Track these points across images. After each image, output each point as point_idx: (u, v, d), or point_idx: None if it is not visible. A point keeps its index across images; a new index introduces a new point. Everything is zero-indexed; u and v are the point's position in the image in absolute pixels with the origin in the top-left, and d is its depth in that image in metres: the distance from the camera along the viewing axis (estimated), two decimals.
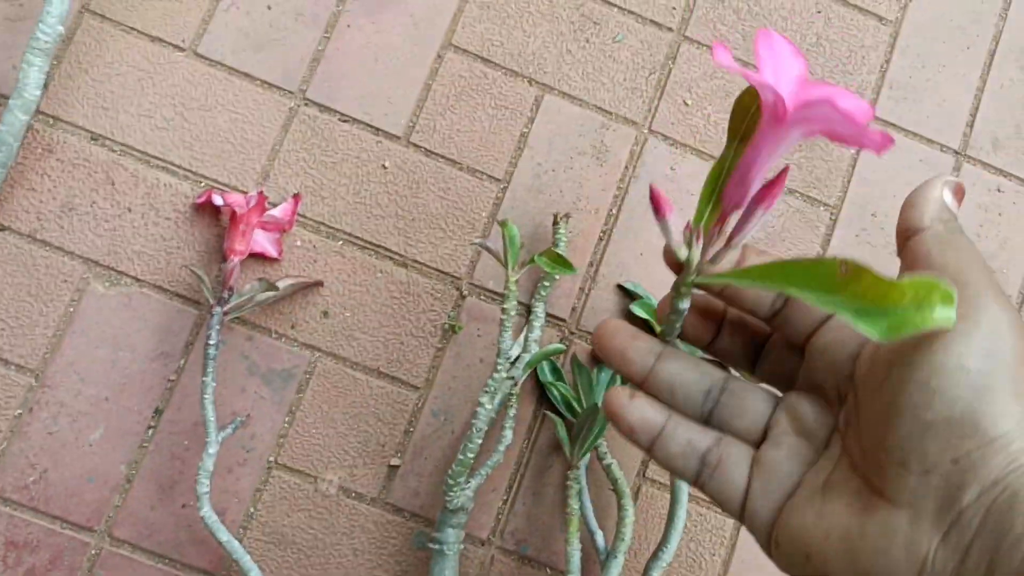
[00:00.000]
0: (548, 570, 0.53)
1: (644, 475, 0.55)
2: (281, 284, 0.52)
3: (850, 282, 0.22)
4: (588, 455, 0.53)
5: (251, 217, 0.52)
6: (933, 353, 0.22)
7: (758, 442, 0.28)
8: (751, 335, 0.30)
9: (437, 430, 0.54)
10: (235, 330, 0.53)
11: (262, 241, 0.53)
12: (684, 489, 0.52)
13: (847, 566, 0.23)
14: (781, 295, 0.28)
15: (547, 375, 0.54)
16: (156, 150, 0.54)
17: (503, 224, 0.49)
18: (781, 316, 0.29)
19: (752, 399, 0.28)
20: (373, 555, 0.52)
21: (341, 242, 0.55)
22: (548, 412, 0.54)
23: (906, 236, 0.26)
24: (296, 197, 0.54)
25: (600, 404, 0.51)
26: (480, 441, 0.49)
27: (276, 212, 0.53)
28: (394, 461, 0.53)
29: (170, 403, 0.52)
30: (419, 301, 0.55)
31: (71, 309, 0.52)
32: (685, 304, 0.29)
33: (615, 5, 0.60)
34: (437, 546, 0.50)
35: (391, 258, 0.55)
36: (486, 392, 0.49)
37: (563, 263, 0.48)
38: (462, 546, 0.51)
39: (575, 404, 0.54)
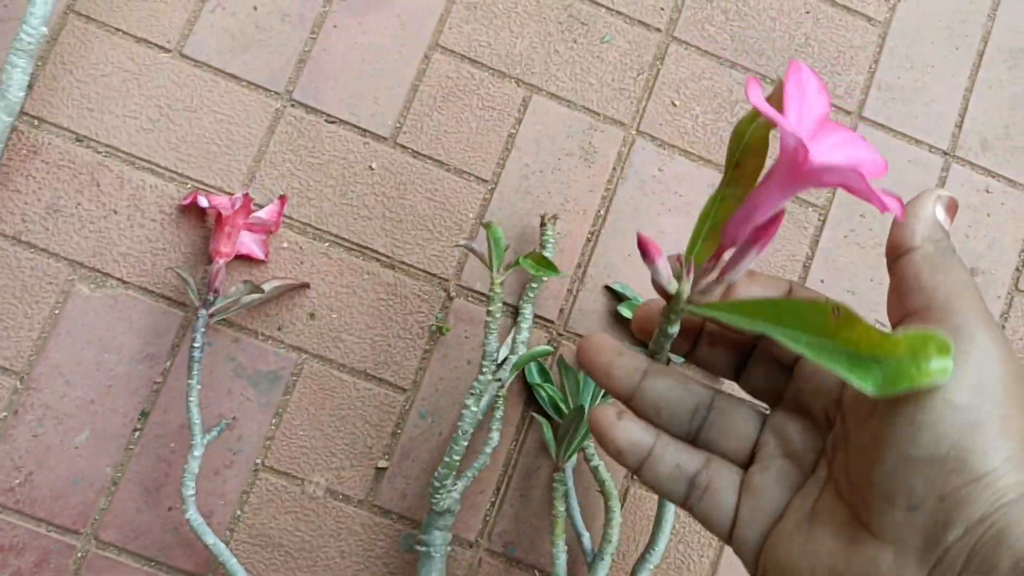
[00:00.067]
0: (536, 572, 0.53)
1: (632, 477, 0.55)
2: (267, 286, 0.52)
3: (842, 328, 0.21)
4: (575, 457, 0.53)
5: (237, 219, 0.52)
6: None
7: (746, 462, 0.28)
8: (732, 345, 0.30)
9: (424, 432, 0.54)
10: (221, 332, 0.53)
11: (248, 243, 0.53)
12: None
13: None
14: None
15: (535, 377, 0.54)
16: (141, 151, 0.54)
17: (487, 226, 0.49)
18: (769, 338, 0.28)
19: (739, 418, 0.28)
20: (360, 557, 0.52)
21: (328, 244, 0.55)
22: (535, 414, 0.54)
23: (896, 255, 0.25)
24: (282, 199, 0.54)
25: (585, 407, 0.51)
26: (466, 443, 0.49)
27: (262, 214, 0.53)
28: (381, 463, 0.53)
29: (156, 405, 0.52)
30: (406, 303, 0.55)
31: (56, 311, 0.52)
32: (675, 329, 0.28)
33: (603, 5, 0.59)
34: (424, 548, 0.50)
35: (378, 259, 0.55)
36: (472, 394, 0.49)
37: (548, 265, 0.48)
38: (449, 548, 0.51)
39: (562, 406, 0.54)
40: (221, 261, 0.51)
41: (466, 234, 0.56)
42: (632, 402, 0.29)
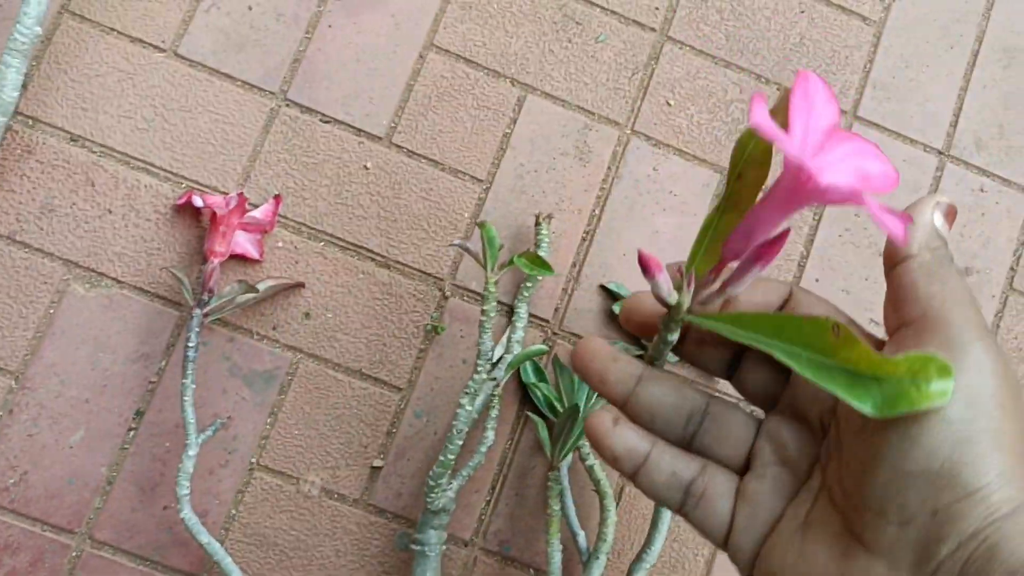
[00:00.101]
0: (531, 571, 0.53)
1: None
2: (262, 286, 0.52)
3: (842, 347, 0.21)
4: (570, 456, 0.53)
5: (231, 218, 0.52)
6: None
7: (741, 468, 0.28)
8: (720, 344, 0.30)
9: (419, 431, 0.54)
10: (216, 332, 0.53)
11: (243, 242, 0.53)
12: None
13: None
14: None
15: (530, 376, 0.54)
16: (136, 151, 0.54)
17: (482, 225, 0.49)
18: None
19: (734, 424, 0.28)
20: (355, 556, 0.52)
21: (323, 243, 0.55)
22: (530, 413, 0.54)
23: (893, 262, 0.25)
24: (277, 198, 0.54)
25: (580, 406, 0.51)
26: (461, 442, 0.49)
27: (257, 213, 0.53)
28: (376, 462, 0.53)
29: (151, 405, 0.52)
30: (401, 302, 0.55)
31: (51, 311, 0.52)
32: (674, 336, 0.28)
33: (597, 5, 0.59)
34: (419, 547, 0.50)
35: (373, 259, 0.55)
36: (466, 393, 0.49)
37: (542, 264, 0.48)
38: (444, 547, 0.51)
39: (557, 405, 0.54)
40: (216, 261, 0.51)
41: (461, 233, 0.56)
42: (626, 407, 0.29)
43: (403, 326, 0.55)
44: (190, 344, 0.49)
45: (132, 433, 0.52)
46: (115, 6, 0.55)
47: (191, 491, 0.50)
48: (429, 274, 0.55)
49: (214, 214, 0.52)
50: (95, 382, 0.52)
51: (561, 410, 0.53)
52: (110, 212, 0.53)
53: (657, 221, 0.58)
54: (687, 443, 0.29)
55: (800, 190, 0.24)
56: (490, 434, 0.51)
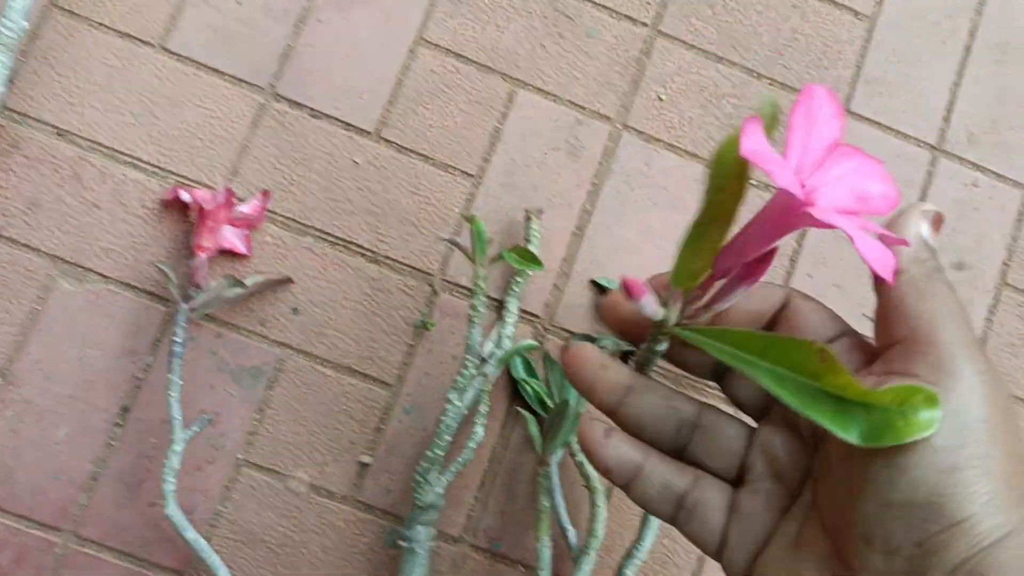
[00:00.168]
0: (521, 567, 0.53)
1: None
2: (249, 281, 0.51)
3: (827, 373, 0.21)
4: (561, 452, 0.53)
5: (219, 213, 0.51)
6: None
7: (734, 479, 0.28)
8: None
9: (409, 427, 0.53)
10: (204, 327, 0.53)
11: (231, 237, 0.53)
12: None
13: None
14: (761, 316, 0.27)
15: (520, 371, 0.54)
16: (124, 146, 0.54)
17: (470, 220, 0.49)
18: None
19: (725, 436, 0.28)
20: (343, 553, 0.52)
21: (311, 238, 0.54)
22: (520, 409, 0.54)
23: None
24: (265, 193, 0.54)
25: (571, 402, 0.51)
26: (449, 438, 0.49)
27: (245, 208, 0.53)
28: (365, 459, 0.53)
29: (137, 401, 0.52)
30: (391, 298, 0.54)
31: (37, 307, 0.52)
32: (663, 347, 0.28)
33: (589, 0, 0.59)
34: (408, 544, 0.49)
35: (362, 254, 0.55)
36: (455, 389, 0.49)
37: (531, 258, 0.47)
38: (433, 543, 0.51)
39: (548, 400, 0.53)
40: (203, 256, 0.51)
41: (451, 229, 0.56)
42: (616, 417, 0.29)
43: (392, 322, 0.54)
44: (177, 339, 0.49)
45: (118, 429, 0.51)
46: (103, 0, 0.55)
47: (177, 488, 0.50)
48: (419, 269, 0.55)
49: (201, 209, 0.51)
50: (81, 378, 0.51)
51: (551, 406, 0.53)
52: (97, 207, 0.53)
53: (649, 216, 0.57)
54: (679, 451, 0.28)
55: (792, 216, 0.23)
56: (479, 430, 0.51)
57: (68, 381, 0.51)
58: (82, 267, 0.52)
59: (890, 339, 0.24)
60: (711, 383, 0.33)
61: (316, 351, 0.53)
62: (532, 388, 0.53)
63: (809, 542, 0.24)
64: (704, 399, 0.29)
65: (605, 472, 0.28)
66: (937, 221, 0.25)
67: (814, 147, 0.23)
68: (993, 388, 0.22)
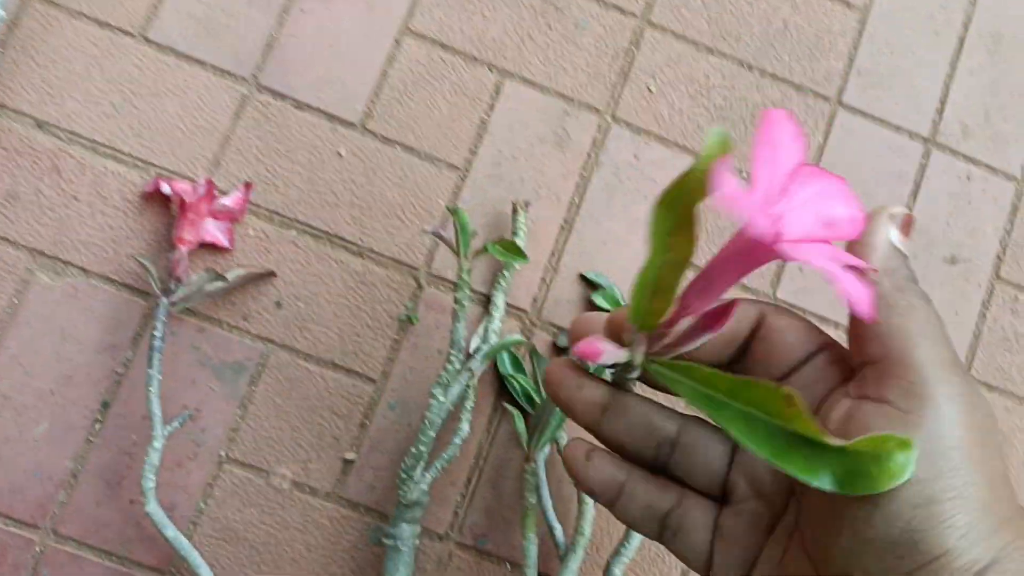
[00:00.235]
0: (507, 565, 0.52)
1: None
2: (231, 274, 0.51)
3: (794, 419, 0.21)
4: (548, 448, 0.52)
5: (200, 206, 0.50)
6: None
7: (718, 496, 0.27)
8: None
9: (393, 423, 0.53)
10: (185, 322, 0.52)
11: (213, 231, 0.52)
12: None
13: None
14: (737, 342, 0.27)
15: (507, 367, 0.53)
16: (104, 137, 0.53)
17: (454, 211, 0.48)
18: (739, 366, 0.27)
19: (706, 454, 0.27)
20: (327, 550, 0.51)
21: (295, 231, 0.54)
22: (507, 404, 0.53)
23: None
24: (247, 185, 0.53)
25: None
26: (433, 434, 0.48)
27: (227, 201, 0.52)
28: (349, 455, 0.52)
29: (117, 396, 0.51)
30: (375, 291, 0.54)
31: (15, 300, 0.51)
32: (635, 374, 0.27)
33: None
34: (392, 541, 0.49)
35: (346, 247, 0.54)
36: (439, 384, 0.48)
37: (516, 251, 0.47)
38: (418, 541, 0.50)
39: (535, 396, 0.52)
40: (183, 249, 0.50)
41: (437, 222, 0.55)
42: (597, 435, 0.28)
43: (377, 316, 0.53)
44: (156, 334, 0.48)
45: (98, 425, 0.51)
46: None
47: (158, 484, 0.49)
48: (404, 263, 0.54)
49: (183, 201, 0.50)
50: (60, 373, 0.51)
51: (539, 402, 0.52)
52: (76, 200, 0.52)
53: (638, 209, 0.56)
54: (662, 467, 0.28)
55: (760, 253, 0.22)
56: (465, 426, 0.50)
57: (47, 376, 0.50)
58: (61, 260, 0.52)
59: (863, 357, 0.24)
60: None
61: (299, 346, 0.53)
62: (519, 384, 0.52)
63: (792, 568, 0.24)
64: (687, 411, 0.29)
65: (589, 493, 0.28)
66: (907, 224, 0.24)
67: (779, 175, 0.22)
68: (969, 410, 0.22)
